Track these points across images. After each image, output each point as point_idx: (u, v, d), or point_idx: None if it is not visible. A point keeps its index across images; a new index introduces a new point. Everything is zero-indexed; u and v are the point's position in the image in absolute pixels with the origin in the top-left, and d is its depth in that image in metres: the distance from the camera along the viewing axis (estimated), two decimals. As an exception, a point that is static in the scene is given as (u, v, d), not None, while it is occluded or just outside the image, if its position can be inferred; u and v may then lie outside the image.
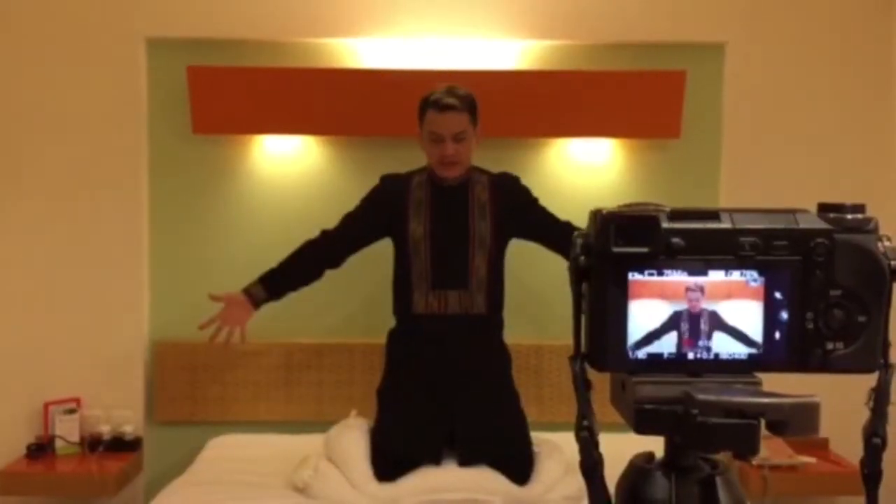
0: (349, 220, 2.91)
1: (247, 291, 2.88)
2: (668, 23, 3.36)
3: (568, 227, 2.82)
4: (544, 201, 3.29)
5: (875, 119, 3.43)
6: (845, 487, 3.13)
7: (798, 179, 3.35)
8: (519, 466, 2.76)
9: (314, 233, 3.44)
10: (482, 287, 2.79)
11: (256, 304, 2.88)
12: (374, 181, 2.92)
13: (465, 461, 2.75)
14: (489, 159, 3.02)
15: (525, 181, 3.00)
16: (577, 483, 2.67)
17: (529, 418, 2.88)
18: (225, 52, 3.35)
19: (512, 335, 2.93)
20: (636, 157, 3.43)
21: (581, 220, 0.90)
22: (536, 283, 2.89)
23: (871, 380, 0.86)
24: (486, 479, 2.71)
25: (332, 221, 3.38)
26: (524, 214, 2.87)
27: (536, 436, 2.89)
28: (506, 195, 2.85)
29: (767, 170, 3.39)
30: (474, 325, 2.79)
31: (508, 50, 3.39)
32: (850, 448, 3.12)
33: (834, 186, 3.35)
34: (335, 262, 2.92)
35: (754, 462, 3.05)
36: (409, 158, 2.96)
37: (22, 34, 3.32)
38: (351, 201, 3.26)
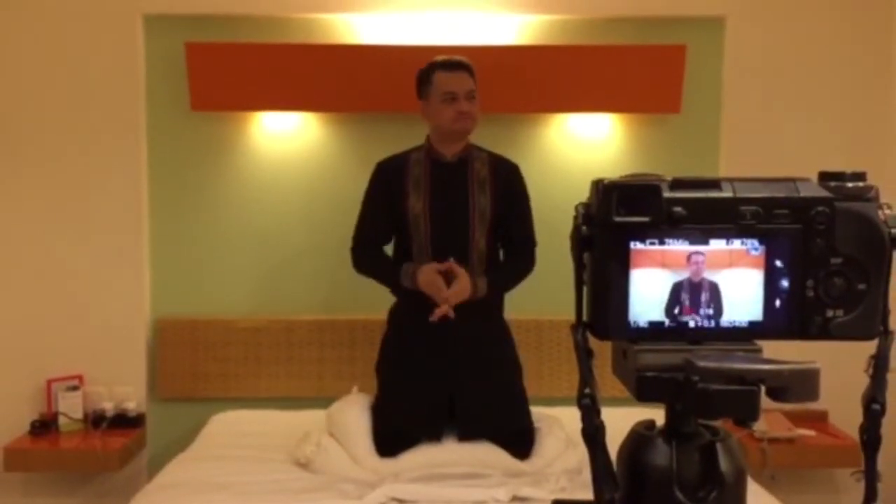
0: (362, 223, 2.87)
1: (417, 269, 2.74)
2: (668, -4, 3.35)
3: (528, 246, 2.88)
4: (544, 177, 3.31)
5: (874, 92, 3.42)
6: (844, 460, 3.16)
7: (798, 153, 3.34)
8: (519, 441, 2.78)
9: (313, 208, 3.45)
10: (482, 262, 2.79)
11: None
12: (372, 157, 2.92)
13: (465, 436, 2.77)
14: (488, 135, 3.01)
15: (525, 157, 3.00)
16: (577, 457, 2.70)
17: (529, 393, 2.89)
18: (223, 29, 3.34)
19: (511, 310, 2.93)
20: (636, 133, 3.43)
21: (580, 196, 0.90)
22: (536, 258, 2.90)
23: (870, 348, 0.87)
24: (486, 454, 2.72)
25: (330, 198, 3.40)
26: (511, 204, 2.85)
27: (536, 410, 2.90)
28: (505, 177, 2.85)
29: (767, 144, 3.38)
30: (475, 301, 2.79)
31: (507, 25, 3.37)
32: (849, 421, 3.14)
33: (834, 160, 3.34)
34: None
35: (754, 435, 3.07)
36: (407, 134, 2.96)
37: (20, 10, 3.30)
38: (349, 178, 3.26)
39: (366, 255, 2.87)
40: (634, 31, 3.38)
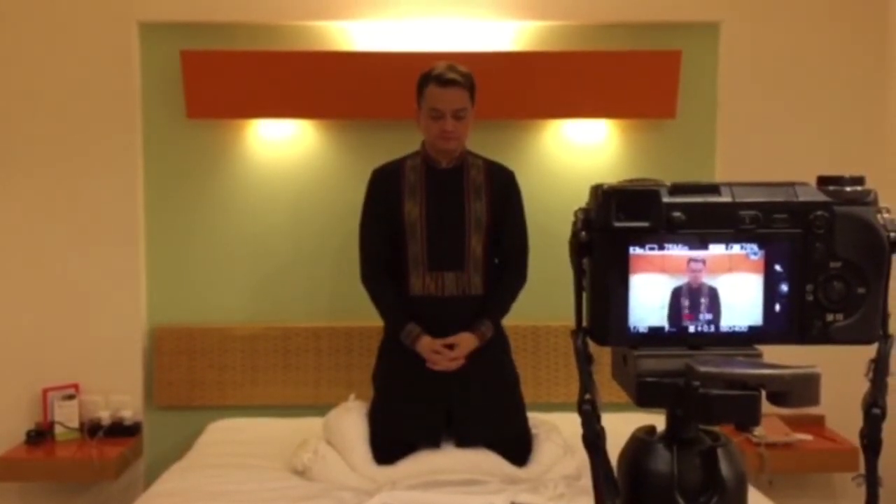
0: (364, 232, 2.86)
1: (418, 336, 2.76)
2: (663, 2, 3.36)
3: (520, 260, 2.87)
4: (540, 183, 3.31)
5: (869, 97, 3.43)
6: (842, 464, 3.16)
7: (793, 158, 3.35)
8: (517, 448, 2.78)
9: (309, 216, 3.44)
10: (479, 268, 2.79)
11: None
12: (368, 164, 2.91)
13: (462, 443, 2.77)
14: (485, 141, 3.01)
15: (521, 163, 2.99)
16: (576, 463, 2.70)
17: (527, 399, 2.89)
18: (218, 36, 3.34)
19: (509, 316, 2.93)
20: (632, 138, 3.43)
21: (577, 202, 0.90)
22: (533, 265, 2.90)
23: (869, 352, 0.87)
24: (484, 461, 2.73)
25: (326, 205, 3.40)
26: (506, 210, 2.85)
27: (534, 416, 2.91)
28: (500, 183, 2.84)
29: (763, 149, 3.39)
30: (472, 306, 2.79)
31: (503, 31, 3.38)
32: (846, 425, 3.15)
33: (830, 165, 3.31)
34: (390, 274, 2.85)
35: (751, 440, 3.07)
36: (403, 141, 2.95)
37: (16, 19, 3.30)
38: (345, 185, 3.26)
39: (378, 287, 2.85)
40: (630, 36, 3.39)
